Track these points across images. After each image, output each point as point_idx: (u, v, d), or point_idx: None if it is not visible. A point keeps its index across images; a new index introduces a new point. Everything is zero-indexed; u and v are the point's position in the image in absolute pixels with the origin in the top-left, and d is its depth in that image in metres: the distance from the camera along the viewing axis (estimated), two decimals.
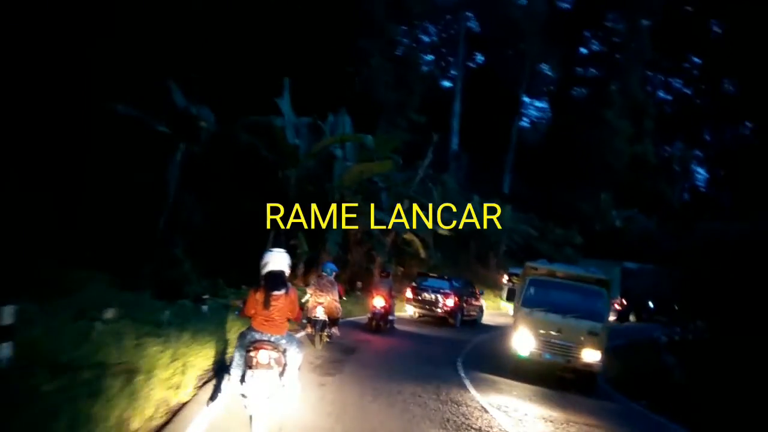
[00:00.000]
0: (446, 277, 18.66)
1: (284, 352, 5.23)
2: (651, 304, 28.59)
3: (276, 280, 5.24)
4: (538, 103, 47.77)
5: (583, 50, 42.59)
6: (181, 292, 13.39)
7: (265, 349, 5.10)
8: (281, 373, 5.20)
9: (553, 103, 42.18)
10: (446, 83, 43.08)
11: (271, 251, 5.42)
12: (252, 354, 5.08)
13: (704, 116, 44.23)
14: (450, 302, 17.38)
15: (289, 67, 19.75)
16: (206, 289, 13.48)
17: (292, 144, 17.83)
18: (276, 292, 5.19)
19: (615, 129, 34.79)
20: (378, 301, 13.40)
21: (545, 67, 41.24)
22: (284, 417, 5.53)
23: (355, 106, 23.15)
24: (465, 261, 28.26)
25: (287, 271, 5.39)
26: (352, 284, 20.09)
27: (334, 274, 10.65)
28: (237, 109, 17.87)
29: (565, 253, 28.52)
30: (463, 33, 37.65)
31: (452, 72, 40.29)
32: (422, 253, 22.69)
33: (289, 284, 5.38)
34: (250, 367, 5.05)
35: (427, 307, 17.67)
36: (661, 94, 46.50)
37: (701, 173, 46.28)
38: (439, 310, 17.49)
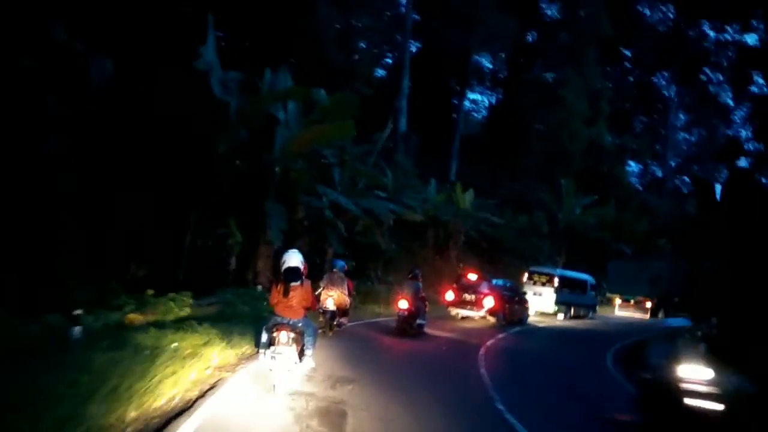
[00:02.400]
0: (487, 278, 18.28)
1: (301, 333, 6.49)
2: (675, 299, 27.70)
3: (293, 274, 6.48)
4: (483, 92, 45.31)
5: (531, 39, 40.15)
6: (53, 302, 8.83)
7: (285, 330, 6.33)
8: (299, 351, 6.44)
9: (506, 84, 39.42)
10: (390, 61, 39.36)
11: (288, 252, 6.78)
12: (275, 335, 6.31)
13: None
14: (490, 302, 16.82)
15: (215, 9, 15.21)
16: (89, 299, 8.94)
17: (219, 99, 13.44)
18: (293, 284, 6.44)
19: (572, 110, 32.40)
20: (402, 304, 12.82)
21: (497, 46, 38.49)
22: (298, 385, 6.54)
23: (297, 65, 18.91)
24: (422, 252, 24.69)
25: (302, 267, 6.60)
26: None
27: (345, 269, 11.61)
28: (147, 59, 13.28)
29: (533, 243, 25.69)
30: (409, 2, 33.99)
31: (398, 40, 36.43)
32: (381, 243, 18.85)
33: (304, 277, 6.58)
34: (273, 345, 6.26)
35: (468, 307, 17.08)
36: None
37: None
38: (481, 311, 16.90)
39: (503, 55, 42.53)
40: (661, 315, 27.08)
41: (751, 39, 51.29)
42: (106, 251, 11.64)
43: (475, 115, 46.22)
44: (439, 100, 38.86)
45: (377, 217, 18.03)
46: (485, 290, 16.97)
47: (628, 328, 21.78)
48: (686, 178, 58.23)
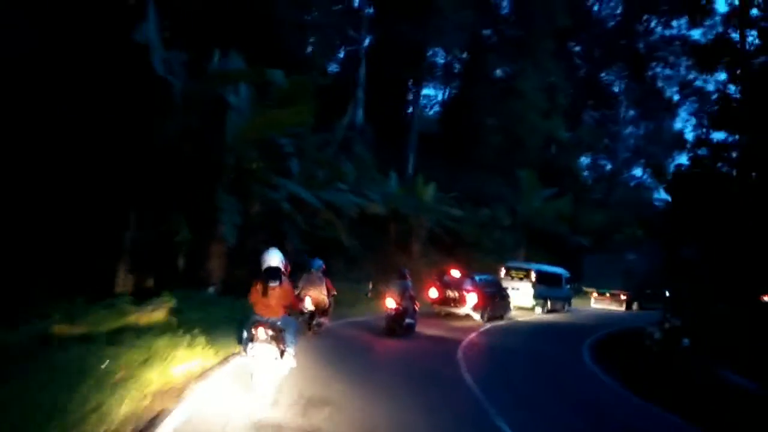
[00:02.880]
0: (470, 274, 17.78)
1: (281, 332, 6.45)
2: (648, 291, 28.95)
3: (272, 273, 6.50)
4: (437, 87, 44.55)
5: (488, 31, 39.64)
6: None
7: (263, 328, 6.34)
8: (279, 348, 6.39)
9: (462, 77, 38.77)
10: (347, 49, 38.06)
11: (268, 251, 6.78)
12: (253, 332, 6.33)
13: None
14: (473, 298, 16.59)
15: None
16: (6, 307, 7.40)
17: (162, 77, 11.95)
18: (272, 284, 6.44)
19: (529, 103, 32.01)
20: (390, 303, 12.58)
21: (452, 39, 37.80)
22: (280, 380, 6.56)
23: (249, 50, 17.46)
24: (383, 248, 23.65)
25: (282, 267, 6.63)
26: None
27: (322, 269, 11.27)
28: (79, 32, 11.62)
29: (494, 237, 25.04)
30: None
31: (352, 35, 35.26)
32: (343, 239, 17.67)
33: (284, 278, 6.58)
34: (252, 341, 6.31)
35: (452, 305, 16.82)
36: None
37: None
38: (464, 308, 16.67)
39: (458, 49, 42.18)
40: (635, 307, 28.13)
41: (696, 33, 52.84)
42: (29, 253, 10.04)
43: (428, 111, 45.56)
44: (394, 95, 37.89)
45: (338, 210, 16.85)
46: (469, 287, 16.68)
47: (604, 320, 22.10)
48: (638, 171, 59.65)
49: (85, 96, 11.45)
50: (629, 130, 58.72)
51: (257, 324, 6.30)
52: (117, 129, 11.70)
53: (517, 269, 22.76)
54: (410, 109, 39.20)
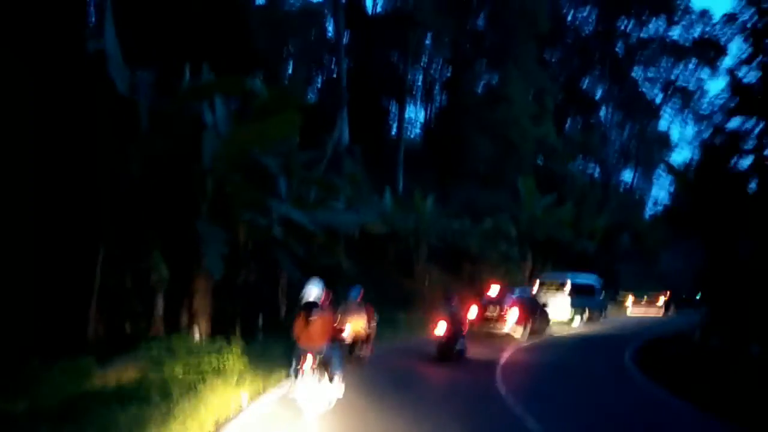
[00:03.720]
0: (509, 290, 17.66)
1: (327, 360, 6.90)
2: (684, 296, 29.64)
3: (311, 307, 6.98)
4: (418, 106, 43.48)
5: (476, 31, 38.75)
6: None
7: (309, 358, 6.74)
8: (326, 376, 6.82)
9: (446, 90, 37.76)
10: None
11: (308, 283, 7.33)
12: (301, 362, 6.75)
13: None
14: (514, 315, 16.32)
15: None
16: None
17: (124, 97, 10.45)
18: (312, 316, 6.89)
19: (518, 108, 30.98)
20: (440, 329, 12.05)
21: (436, 50, 37.03)
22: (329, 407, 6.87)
23: (222, 64, 16.06)
24: (380, 270, 22.04)
25: (321, 299, 7.18)
26: (249, 322, 13.03)
27: (360, 297, 11.13)
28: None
29: (501, 250, 23.57)
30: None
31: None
32: (343, 264, 16.10)
33: (322, 310, 7.09)
34: (299, 371, 6.75)
35: (492, 324, 16.40)
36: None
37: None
38: (504, 326, 16.31)
39: (439, 62, 41.36)
40: (671, 311, 27.99)
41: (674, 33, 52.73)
42: None
43: (410, 132, 44.50)
44: (377, 116, 36.77)
45: (335, 232, 15.30)
46: (509, 304, 16.46)
47: (645, 328, 21.70)
48: (627, 175, 58.92)
49: (41, 122, 9.91)
50: (613, 135, 58.26)
51: (303, 354, 6.75)
52: (76, 157, 10.13)
53: (551, 281, 22.42)
54: (394, 130, 38.15)
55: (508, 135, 31.66)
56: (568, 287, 21.68)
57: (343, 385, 7.09)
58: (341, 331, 10.11)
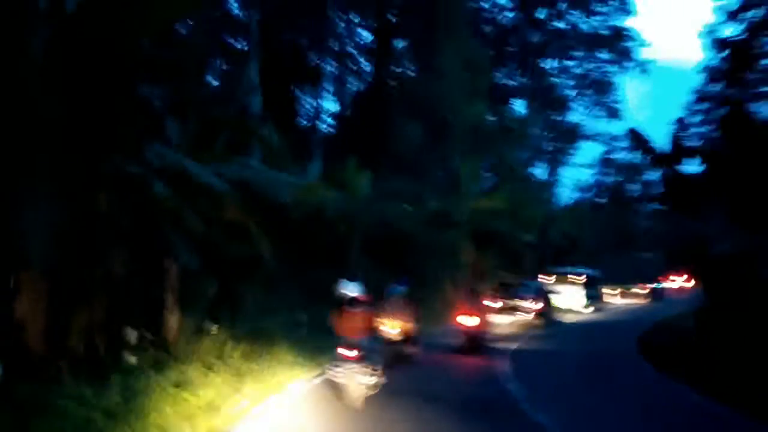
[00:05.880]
0: (523, 282, 19.40)
1: (366, 351, 7.38)
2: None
3: (352, 301, 7.92)
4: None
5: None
6: None
7: (348, 348, 7.29)
8: (365, 366, 7.20)
9: (374, 61, 33.28)
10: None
11: (342, 282, 9.06)
12: (341, 353, 7.30)
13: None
14: (538, 305, 17.86)
15: None
16: None
17: None
18: (352, 309, 7.73)
19: (451, 81, 27.42)
20: (468, 321, 12.20)
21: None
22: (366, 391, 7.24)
23: None
24: (305, 262, 17.31)
25: (360, 295, 8.32)
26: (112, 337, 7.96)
27: (404, 292, 10.89)
28: None
29: (448, 238, 19.65)
30: None
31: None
32: (263, 251, 11.26)
33: (361, 304, 7.97)
34: (340, 362, 7.24)
35: (515, 312, 17.58)
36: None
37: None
38: (528, 315, 17.58)
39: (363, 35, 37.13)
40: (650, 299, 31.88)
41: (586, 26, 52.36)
42: None
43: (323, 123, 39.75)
44: (287, 103, 31.78)
45: (251, 204, 10.45)
46: (529, 295, 17.90)
47: (642, 313, 24.64)
48: (539, 170, 58.07)
49: None
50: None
51: (343, 346, 7.30)
52: None
53: (561, 273, 25.43)
54: (304, 122, 33.30)
55: (440, 113, 27.95)
56: (582, 279, 24.79)
57: (382, 376, 7.49)
58: (379, 325, 9.81)
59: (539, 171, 55.25)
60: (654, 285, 33.51)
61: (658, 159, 17.09)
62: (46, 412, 4.75)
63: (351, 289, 8.14)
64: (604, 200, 48.82)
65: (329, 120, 35.43)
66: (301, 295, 16.57)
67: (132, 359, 7.94)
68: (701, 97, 18.19)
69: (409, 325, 10.48)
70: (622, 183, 50.63)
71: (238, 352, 8.60)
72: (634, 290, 33.56)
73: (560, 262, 30.42)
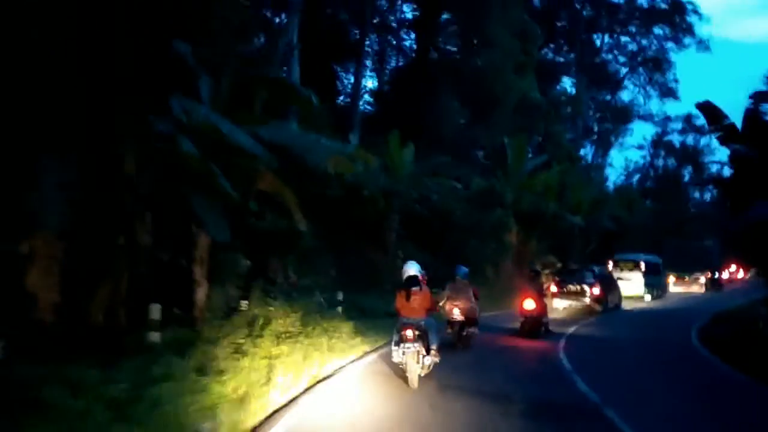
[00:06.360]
0: (585, 268, 19.45)
1: (425, 331, 7.47)
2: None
3: (413, 281, 7.68)
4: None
5: None
6: None
7: (410, 329, 7.25)
8: (424, 346, 7.33)
9: (417, 33, 31.78)
10: None
11: (407, 263, 8.11)
12: (402, 333, 7.29)
13: None
14: (596, 291, 17.86)
15: None
16: None
17: None
18: (414, 289, 7.60)
19: (503, 52, 25.90)
20: (529, 304, 12.26)
21: None
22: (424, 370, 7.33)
23: None
24: (342, 240, 16.50)
25: (420, 276, 7.82)
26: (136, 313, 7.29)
27: (466, 275, 10.88)
28: None
29: (492, 218, 18.51)
30: None
31: None
32: (300, 224, 10.44)
33: (422, 284, 7.75)
34: (402, 341, 7.22)
35: (576, 298, 17.82)
36: None
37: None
38: (586, 300, 17.74)
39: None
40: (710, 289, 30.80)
41: None
42: None
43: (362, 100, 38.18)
44: (327, 80, 30.59)
45: (287, 171, 9.59)
46: (590, 280, 17.97)
47: (699, 303, 23.72)
48: (588, 151, 55.61)
49: None
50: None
51: (405, 326, 7.30)
52: None
53: (626, 261, 25.17)
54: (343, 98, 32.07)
55: (487, 87, 26.47)
56: (642, 266, 24.51)
57: (439, 355, 7.53)
58: (447, 312, 10.27)
59: (587, 152, 53.08)
60: (712, 274, 32.33)
61: (730, 136, 15.53)
62: (35, 405, 4.00)
63: (414, 270, 7.72)
64: (654, 184, 46.38)
65: (368, 98, 34.29)
66: (337, 273, 15.83)
67: (155, 337, 7.25)
68: None
69: (472, 307, 10.47)
70: (679, 166, 48.00)
71: (270, 332, 7.82)
72: (692, 278, 32.41)
73: (609, 247, 28.86)
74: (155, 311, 7.50)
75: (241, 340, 7.21)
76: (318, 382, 7.23)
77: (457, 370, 8.29)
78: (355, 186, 16.16)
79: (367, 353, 9.45)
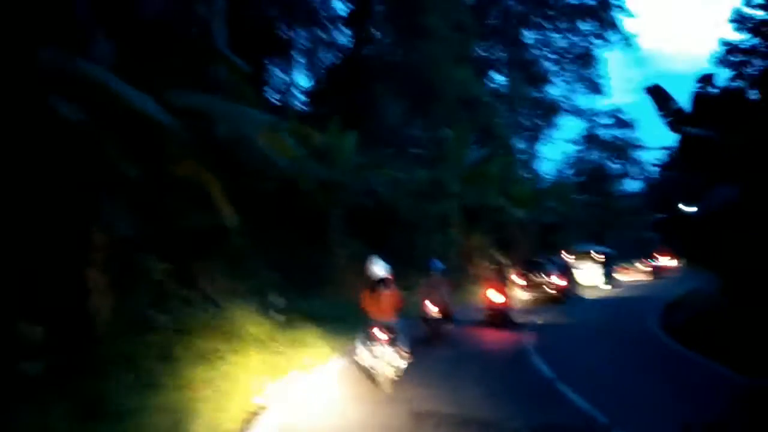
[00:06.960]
0: (548, 259, 19.83)
1: (395, 332, 7.15)
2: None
3: (381, 282, 7.48)
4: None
5: None
6: None
7: (379, 329, 7.05)
8: (393, 346, 6.99)
9: (351, 28, 30.27)
10: None
11: (372, 259, 8.18)
12: (371, 333, 7.08)
13: None
14: (561, 281, 18.33)
15: None
16: None
17: None
18: (383, 290, 7.34)
19: (443, 43, 24.94)
20: (494, 296, 12.30)
21: None
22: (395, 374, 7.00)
23: None
24: (279, 238, 14.79)
25: (389, 276, 7.77)
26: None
27: (442, 270, 10.79)
28: None
29: (439, 210, 17.25)
30: None
31: None
32: (227, 219, 8.74)
33: (392, 285, 7.53)
34: (370, 341, 7.02)
35: (540, 288, 18.10)
36: None
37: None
38: (551, 290, 18.03)
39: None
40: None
41: None
42: None
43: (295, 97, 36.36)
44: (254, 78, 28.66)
45: (208, 147, 7.90)
46: (554, 271, 18.34)
47: (651, 290, 24.81)
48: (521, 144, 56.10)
49: None
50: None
51: (373, 326, 7.04)
52: None
53: (582, 252, 26.37)
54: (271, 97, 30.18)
55: (426, 78, 25.45)
56: (602, 257, 25.69)
57: (409, 357, 7.18)
58: (422, 308, 10.01)
59: (522, 147, 53.53)
60: (653, 262, 33.96)
61: (680, 119, 15.18)
62: None
63: (382, 270, 7.62)
64: (587, 178, 47.18)
65: (302, 98, 32.51)
66: (273, 275, 14.14)
67: (33, 368, 5.45)
68: (731, 49, 16.20)
69: (447, 303, 10.36)
70: (609, 159, 49.22)
71: (190, 352, 6.16)
72: (633, 267, 34.57)
73: (551, 240, 28.63)
74: (34, 333, 5.68)
75: (151, 366, 5.52)
76: (255, 413, 5.66)
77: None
78: (293, 175, 14.53)
79: (316, 367, 8.00)
